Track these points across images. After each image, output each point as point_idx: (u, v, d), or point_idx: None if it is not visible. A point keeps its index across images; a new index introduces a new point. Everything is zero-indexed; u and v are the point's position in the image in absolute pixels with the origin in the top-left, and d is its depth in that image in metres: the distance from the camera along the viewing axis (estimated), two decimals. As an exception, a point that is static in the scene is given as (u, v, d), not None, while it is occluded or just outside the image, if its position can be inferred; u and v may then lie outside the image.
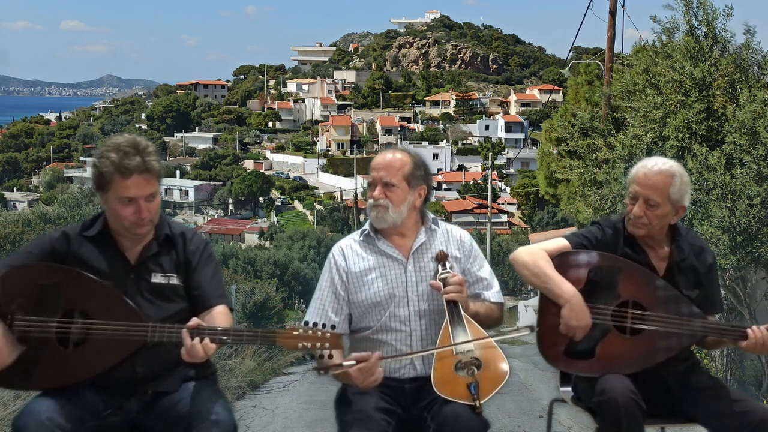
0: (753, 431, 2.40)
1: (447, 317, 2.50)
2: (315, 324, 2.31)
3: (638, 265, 2.64)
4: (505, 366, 2.41)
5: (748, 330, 2.52)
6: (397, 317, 2.62)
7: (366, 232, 2.74)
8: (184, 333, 2.22)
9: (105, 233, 2.42)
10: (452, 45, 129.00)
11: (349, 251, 2.73)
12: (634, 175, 2.65)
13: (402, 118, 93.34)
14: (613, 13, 13.22)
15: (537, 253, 2.66)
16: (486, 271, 2.78)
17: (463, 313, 2.50)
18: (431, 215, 2.77)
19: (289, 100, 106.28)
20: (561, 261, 2.65)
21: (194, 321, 2.25)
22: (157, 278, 2.41)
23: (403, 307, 2.63)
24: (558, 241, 2.72)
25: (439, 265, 2.62)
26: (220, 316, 2.41)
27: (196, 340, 2.20)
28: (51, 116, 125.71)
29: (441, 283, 2.55)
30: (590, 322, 2.55)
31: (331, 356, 2.30)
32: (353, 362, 2.37)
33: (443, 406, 2.35)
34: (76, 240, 2.40)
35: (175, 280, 2.43)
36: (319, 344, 2.26)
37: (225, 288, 2.64)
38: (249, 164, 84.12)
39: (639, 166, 2.66)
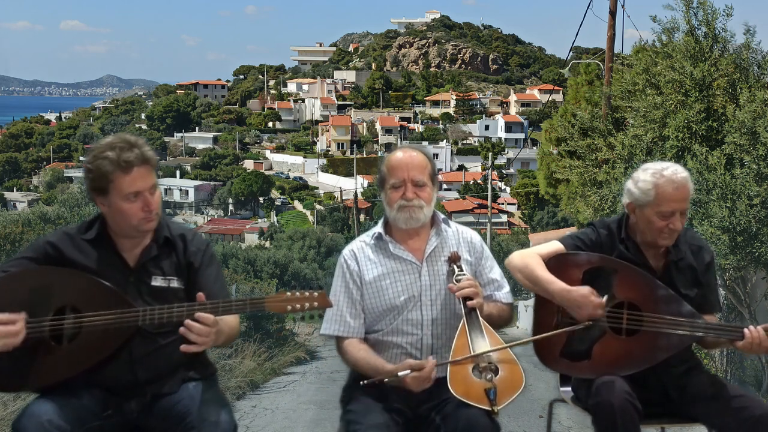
0: (753, 426, 2.40)
1: (464, 320, 2.47)
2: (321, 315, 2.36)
3: (634, 266, 2.63)
4: (521, 374, 2.38)
5: (745, 330, 2.50)
6: (410, 321, 2.60)
7: (377, 235, 2.69)
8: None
9: (103, 236, 2.40)
10: (452, 45, 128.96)
11: (361, 255, 2.68)
12: (663, 193, 2.56)
13: (402, 118, 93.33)
14: (613, 13, 13.22)
15: (530, 256, 2.67)
16: (497, 272, 2.75)
17: (480, 317, 2.48)
18: (441, 215, 2.74)
19: (289, 100, 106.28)
20: (557, 262, 2.65)
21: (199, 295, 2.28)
22: (158, 281, 2.40)
23: (416, 310, 2.60)
24: (552, 245, 2.73)
25: (455, 266, 2.59)
26: (229, 316, 2.40)
27: (199, 315, 2.22)
28: (51, 116, 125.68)
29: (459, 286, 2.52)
30: (595, 300, 2.51)
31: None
32: (408, 371, 2.36)
33: (457, 409, 2.33)
34: (74, 242, 2.39)
35: (175, 283, 2.42)
36: (308, 304, 2.29)
37: (227, 288, 2.63)
38: (249, 164, 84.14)
39: (658, 182, 2.57)
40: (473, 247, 2.73)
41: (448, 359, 2.43)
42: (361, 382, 2.43)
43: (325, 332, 2.64)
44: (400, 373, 2.36)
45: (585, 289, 2.54)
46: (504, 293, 2.73)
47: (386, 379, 2.39)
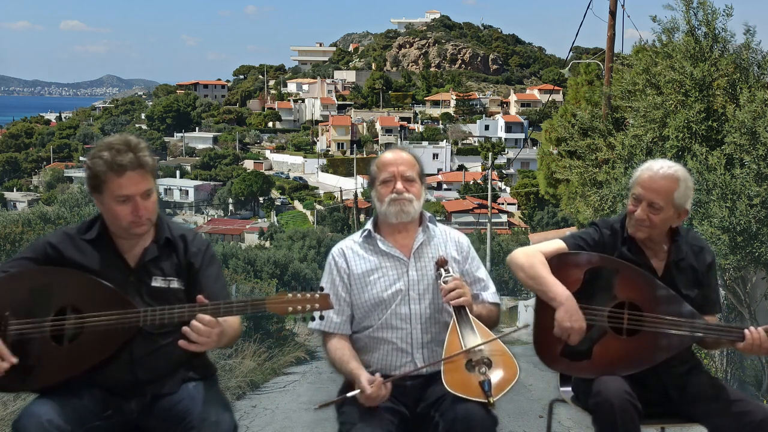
0: (753, 431, 2.39)
1: (454, 317, 2.51)
2: (322, 317, 2.43)
3: (635, 266, 2.63)
4: (515, 364, 2.41)
5: (746, 331, 2.51)
6: (398, 315, 2.64)
7: (366, 233, 2.75)
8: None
9: (103, 236, 2.40)
10: (452, 45, 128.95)
11: (349, 252, 2.74)
12: (639, 177, 2.63)
13: (402, 118, 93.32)
14: (613, 13, 13.22)
15: (533, 255, 2.67)
16: (483, 272, 2.81)
17: (470, 314, 2.52)
18: (427, 213, 2.80)
19: (289, 100, 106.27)
20: (558, 261, 2.66)
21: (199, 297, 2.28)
22: (158, 282, 2.40)
23: (404, 305, 2.65)
24: (555, 243, 2.73)
25: (442, 270, 2.62)
26: (232, 317, 2.40)
27: (200, 316, 2.23)
28: (51, 116, 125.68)
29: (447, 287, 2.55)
30: (584, 325, 2.54)
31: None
32: (357, 392, 2.40)
33: (454, 405, 2.35)
34: (74, 243, 2.39)
35: (175, 284, 2.42)
36: (309, 306, 2.30)
37: (228, 288, 2.63)
38: (249, 164, 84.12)
39: (644, 168, 2.64)
40: (461, 246, 2.79)
41: (438, 354, 2.48)
42: (314, 408, 2.51)
43: (311, 327, 2.69)
44: (349, 394, 2.41)
45: (581, 316, 2.54)
46: (490, 293, 2.78)
47: (337, 399, 2.44)
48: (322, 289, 2.38)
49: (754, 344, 2.49)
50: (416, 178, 2.69)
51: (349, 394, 2.39)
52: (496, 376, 2.36)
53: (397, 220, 2.67)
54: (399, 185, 2.65)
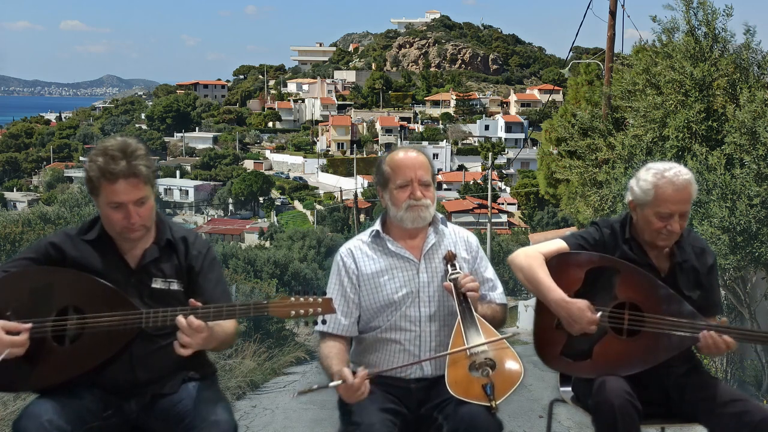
0: (752, 431, 2.39)
1: (459, 318, 2.48)
2: (324, 321, 2.39)
3: (636, 266, 2.63)
4: (518, 366, 2.39)
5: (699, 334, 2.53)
6: (407, 317, 2.61)
7: (374, 233, 2.71)
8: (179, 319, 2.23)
9: (104, 237, 2.40)
10: (452, 45, 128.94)
11: (358, 252, 2.69)
12: (661, 194, 2.55)
13: (402, 118, 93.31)
14: (613, 13, 13.22)
15: (533, 256, 2.66)
16: (491, 272, 2.78)
17: (475, 313, 2.50)
18: (439, 214, 2.76)
19: (289, 100, 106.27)
20: (559, 261, 2.65)
21: (192, 301, 2.27)
22: (158, 284, 2.39)
23: (414, 307, 2.61)
24: (556, 243, 2.72)
25: (449, 266, 2.61)
26: (227, 321, 2.40)
27: (189, 319, 2.21)
28: (51, 116, 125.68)
29: (452, 284, 2.54)
30: (591, 316, 2.52)
31: (321, 321, 2.36)
32: (339, 382, 2.34)
33: (458, 407, 2.33)
34: (75, 243, 2.38)
35: (175, 286, 2.41)
36: (311, 310, 2.29)
37: (229, 291, 2.62)
38: (249, 164, 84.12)
39: (660, 183, 2.56)
40: (470, 246, 2.76)
41: (445, 357, 2.44)
42: (292, 395, 2.46)
43: (317, 329, 2.63)
44: (330, 384, 2.36)
45: (582, 303, 2.53)
46: (498, 293, 2.75)
47: (316, 387, 2.38)
48: (324, 293, 2.36)
49: (709, 345, 2.50)
50: (431, 182, 2.65)
51: (331, 384, 2.35)
52: (499, 378, 2.34)
53: (413, 225, 2.63)
54: (418, 192, 2.59)
